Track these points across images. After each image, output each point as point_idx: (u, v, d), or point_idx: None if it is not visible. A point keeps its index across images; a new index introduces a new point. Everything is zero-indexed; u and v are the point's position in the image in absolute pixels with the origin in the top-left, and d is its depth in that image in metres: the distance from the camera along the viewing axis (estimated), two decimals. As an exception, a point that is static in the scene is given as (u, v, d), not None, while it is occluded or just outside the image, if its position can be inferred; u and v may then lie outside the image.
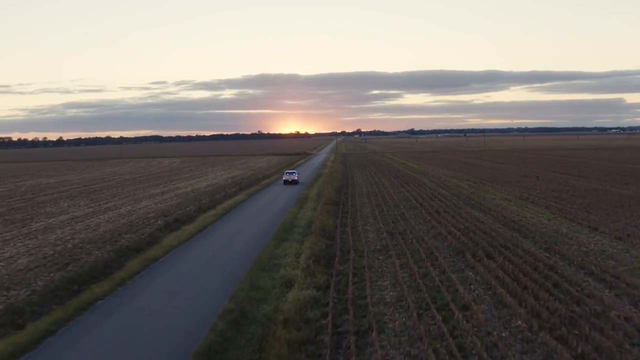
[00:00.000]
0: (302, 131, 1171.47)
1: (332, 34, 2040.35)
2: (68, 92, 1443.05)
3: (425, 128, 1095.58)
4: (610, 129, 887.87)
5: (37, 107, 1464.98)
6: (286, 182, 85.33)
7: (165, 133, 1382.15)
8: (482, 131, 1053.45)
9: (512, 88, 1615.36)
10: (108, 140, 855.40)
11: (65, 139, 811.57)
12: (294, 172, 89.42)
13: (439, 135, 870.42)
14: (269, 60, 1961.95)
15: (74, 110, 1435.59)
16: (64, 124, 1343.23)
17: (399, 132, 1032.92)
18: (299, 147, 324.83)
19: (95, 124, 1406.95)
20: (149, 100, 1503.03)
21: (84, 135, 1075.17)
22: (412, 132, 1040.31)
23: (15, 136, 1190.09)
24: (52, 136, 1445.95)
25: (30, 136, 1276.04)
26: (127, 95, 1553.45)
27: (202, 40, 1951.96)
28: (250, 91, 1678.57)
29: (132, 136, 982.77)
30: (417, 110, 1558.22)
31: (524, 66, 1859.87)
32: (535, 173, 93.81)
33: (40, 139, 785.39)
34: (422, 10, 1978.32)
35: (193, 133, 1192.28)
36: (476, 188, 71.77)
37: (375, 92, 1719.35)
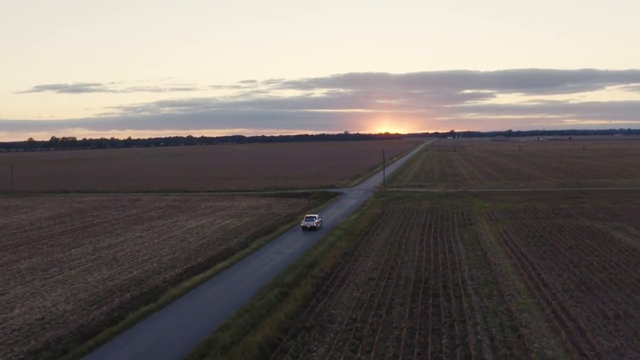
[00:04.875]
0: (393, 131, 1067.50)
1: (420, 32, 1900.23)
2: (159, 90, 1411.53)
3: (521, 129, 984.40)
4: None
5: (131, 105, 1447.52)
6: (304, 228, 68.47)
7: (258, 132, 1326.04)
8: (584, 132, 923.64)
9: (608, 88, 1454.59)
10: (182, 140, 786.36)
11: (141, 138, 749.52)
12: (314, 217, 70.80)
13: (540, 139, 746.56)
14: (358, 59, 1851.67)
15: (167, 108, 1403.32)
16: (159, 122, 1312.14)
17: (496, 133, 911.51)
18: (353, 162, 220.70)
19: (189, 122, 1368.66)
20: (241, 99, 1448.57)
21: (180, 133, 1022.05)
22: (509, 133, 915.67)
23: (113, 134, 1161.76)
24: (148, 134, 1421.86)
25: (126, 134, 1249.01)
26: (218, 94, 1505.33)
27: (289, 39, 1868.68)
28: (341, 90, 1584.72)
29: (222, 135, 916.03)
30: (511, 110, 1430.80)
31: (621, 65, 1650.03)
32: None
33: (124, 138, 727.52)
34: (512, 7, 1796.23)
35: (280, 132, 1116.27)
36: None
37: (467, 91, 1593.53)
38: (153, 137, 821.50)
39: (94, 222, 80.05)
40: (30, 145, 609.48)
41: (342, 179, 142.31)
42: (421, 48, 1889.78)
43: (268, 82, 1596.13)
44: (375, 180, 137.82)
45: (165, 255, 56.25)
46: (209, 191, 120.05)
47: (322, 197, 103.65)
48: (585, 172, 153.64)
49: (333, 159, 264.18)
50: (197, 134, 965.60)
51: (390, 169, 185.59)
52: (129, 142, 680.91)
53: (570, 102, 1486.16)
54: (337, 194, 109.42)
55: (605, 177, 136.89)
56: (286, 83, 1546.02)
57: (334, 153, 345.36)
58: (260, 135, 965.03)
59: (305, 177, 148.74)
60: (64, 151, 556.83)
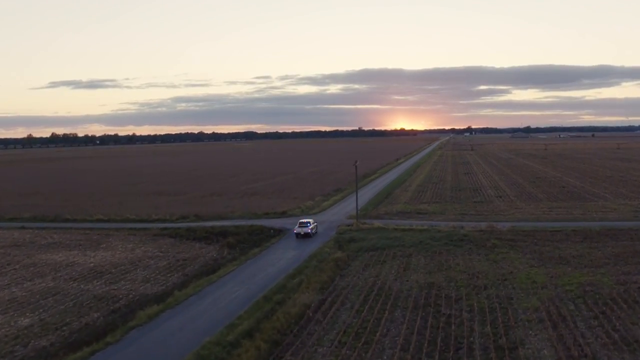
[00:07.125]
0: (409, 127, 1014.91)
1: (434, 28, 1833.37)
2: (174, 86, 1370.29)
3: (539, 125, 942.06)
4: None
5: (147, 101, 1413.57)
6: (298, 235, 61.15)
7: (273, 128, 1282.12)
8: (603, 129, 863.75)
9: (625, 84, 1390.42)
10: (191, 136, 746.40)
11: (145, 134, 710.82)
12: (309, 223, 62.16)
13: (562, 135, 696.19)
14: (372, 55, 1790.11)
15: (183, 104, 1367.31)
16: (176, 117, 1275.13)
17: (515, 130, 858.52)
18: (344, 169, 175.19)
19: (205, 118, 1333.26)
20: (256, 95, 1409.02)
21: (196, 129, 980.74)
22: (528, 130, 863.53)
23: (131, 130, 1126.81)
24: (165, 130, 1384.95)
25: (144, 130, 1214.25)
26: (233, 90, 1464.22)
27: (304, 36, 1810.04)
28: (356, 86, 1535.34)
29: (237, 131, 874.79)
30: (528, 106, 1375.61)
31: (637, 61, 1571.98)
32: None
33: (136, 134, 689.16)
34: (527, 3, 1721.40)
35: (294, 129, 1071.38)
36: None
37: (483, 87, 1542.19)
38: (168, 133, 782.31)
39: None
40: (29, 142, 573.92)
41: (312, 196, 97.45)
42: (435, 44, 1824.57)
43: (283, 78, 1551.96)
44: (362, 198, 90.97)
45: None
46: (99, 220, 76.98)
47: (246, 242, 59.66)
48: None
49: (324, 161, 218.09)
50: (213, 130, 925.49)
51: (388, 178, 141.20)
52: (132, 139, 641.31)
53: (587, 98, 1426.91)
54: (279, 232, 65.03)
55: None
56: (301, 79, 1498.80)
57: (334, 152, 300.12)
58: (274, 131, 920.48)
59: (258, 194, 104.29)
60: (62, 148, 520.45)
